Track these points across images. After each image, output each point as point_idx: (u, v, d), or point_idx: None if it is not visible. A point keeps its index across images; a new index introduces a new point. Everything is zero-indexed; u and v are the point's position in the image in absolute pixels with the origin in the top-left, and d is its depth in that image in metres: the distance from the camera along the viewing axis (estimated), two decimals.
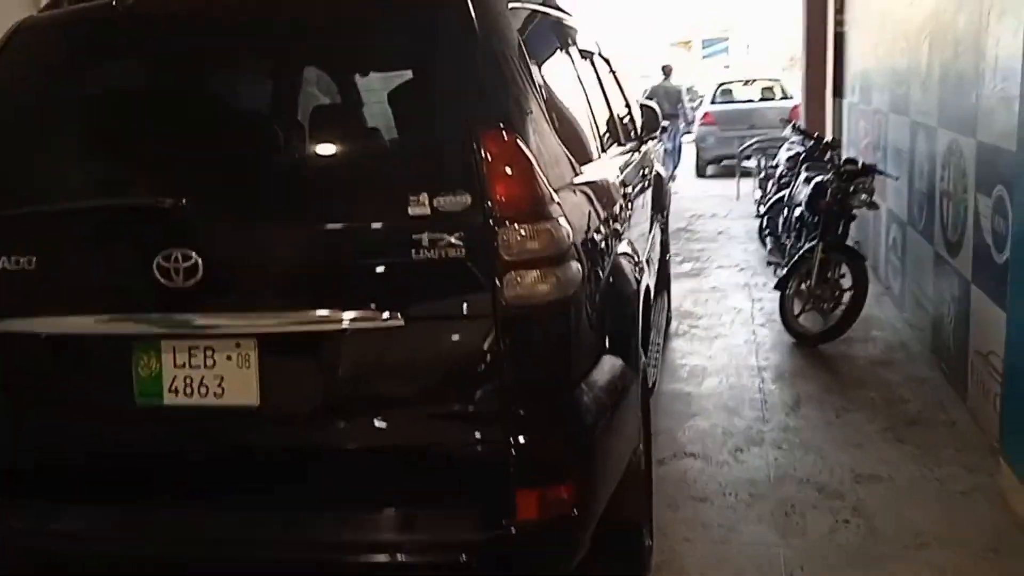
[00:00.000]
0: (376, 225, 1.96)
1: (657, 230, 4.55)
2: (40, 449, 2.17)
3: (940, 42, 4.46)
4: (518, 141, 1.94)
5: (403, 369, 1.99)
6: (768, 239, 6.74)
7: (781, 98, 13.52)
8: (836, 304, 4.97)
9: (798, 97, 12.62)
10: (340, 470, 2.04)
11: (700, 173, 13.38)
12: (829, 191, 5.02)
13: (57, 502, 2.14)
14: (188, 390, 2.04)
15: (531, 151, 1.96)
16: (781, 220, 6.44)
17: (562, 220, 1.97)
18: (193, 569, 2.10)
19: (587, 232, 2.20)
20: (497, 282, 1.90)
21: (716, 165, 13.35)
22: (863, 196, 4.93)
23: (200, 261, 1.95)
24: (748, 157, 10.68)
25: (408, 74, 2.24)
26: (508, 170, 1.91)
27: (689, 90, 22.63)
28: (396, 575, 1.99)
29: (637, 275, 2.58)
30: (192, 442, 2.09)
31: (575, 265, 2.00)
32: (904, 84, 5.35)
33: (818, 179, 5.26)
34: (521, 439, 1.93)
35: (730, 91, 14.19)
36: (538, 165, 1.97)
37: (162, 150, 2.12)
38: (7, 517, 2.13)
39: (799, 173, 6.37)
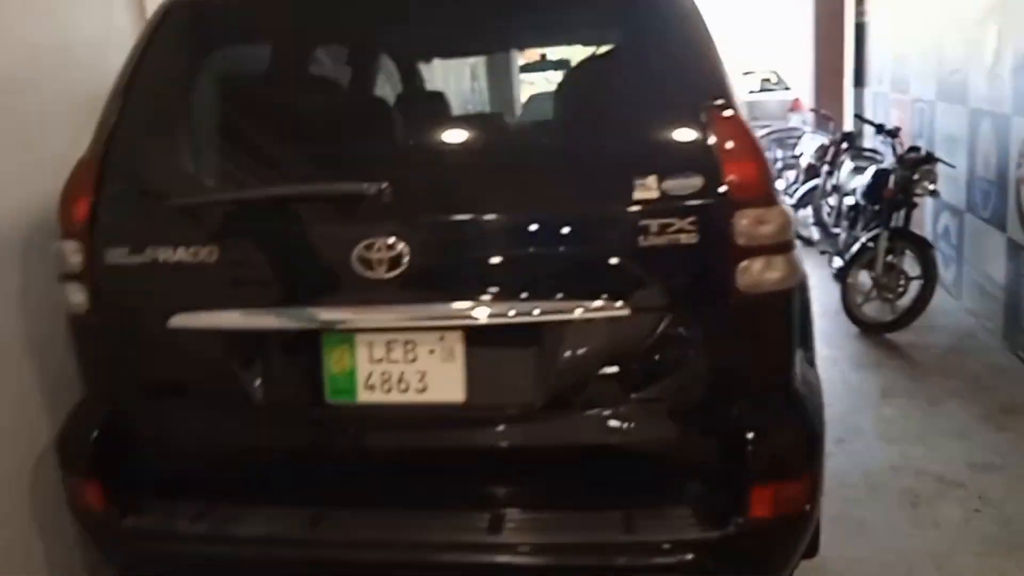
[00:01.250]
0: (599, 211, 1.85)
1: None
2: (218, 451, 2.04)
3: (1014, 30, 4.44)
4: (746, 121, 1.85)
5: (625, 362, 1.88)
6: (813, 229, 6.71)
7: (782, 88, 13.54)
8: (902, 293, 4.95)
9: (796, 88, 12.72)
10: (555, 469, 1.93)
11: None
12: (892, 179, 5.00)
13: (239, 506, 2.01)
14: (386, 386, 1.92)
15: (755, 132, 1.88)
16: (826, 209, 6.42)
17: (786, 206, 1.89)
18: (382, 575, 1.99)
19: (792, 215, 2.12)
20: (730, 269, 1.80)
21: None
22: (927, 184, 4.91)
23: (406, 251, 1.83)
24: None
25: (630, 53, 2.13)
26: (740, 150, 1.81)
27: None
28: None
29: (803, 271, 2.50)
30: (389, 441, 1.97)
31: (797, 253, 1.92)
32: (959, 72, 5.33)
33: (879, 167, 5.23)
34: (755, 434, 1.84)
35: None
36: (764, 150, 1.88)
37: (364, 134, 2.00)
38: (184, 522, 2.00)
39: (839, 163, 6.36)
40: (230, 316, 1.94)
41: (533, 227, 1.87)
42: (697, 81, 1.87)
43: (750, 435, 1.83)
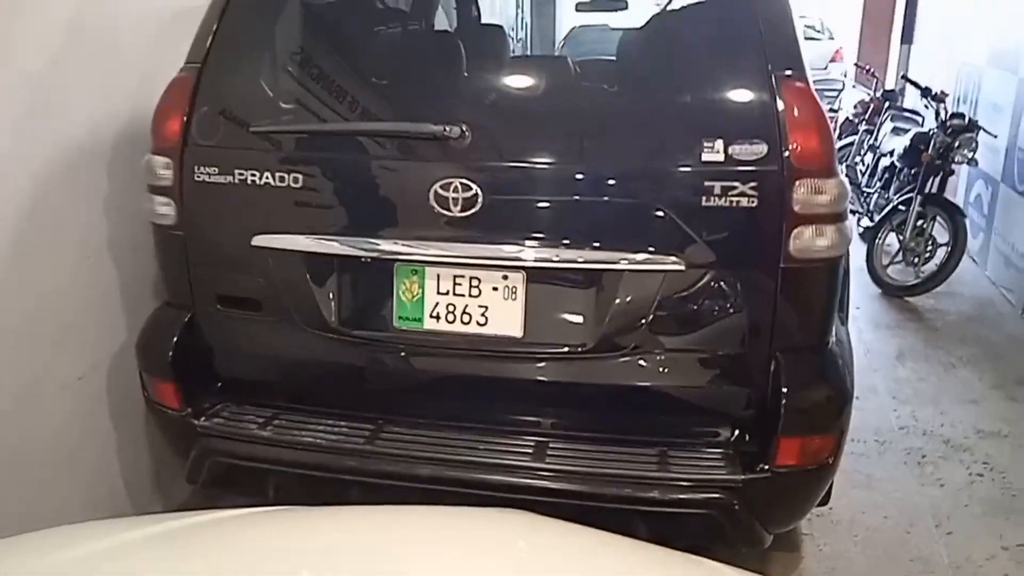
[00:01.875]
0: (666, 168, 1.96)
1: None
2: (288, 364, 2.20)
3: None
4: (814, 92, 1.94)
5: (675, 314, 2.02)
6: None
7: (827, 38, 13.33)
8: (928, 258, 5.04)
9: (839, 37, 12.54)
10: (599, 405, 2.09)
11: None
12: (932, 144, 5.04)
13: (304, 415, 2.18)
14: (450, 317, 2.07)
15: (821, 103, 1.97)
16: (860, 168, 6.45)
17: (843, 178, 1.99)
18: (436, 489, 2.16)
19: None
20: (785, 235, 1.92)
21: None
22: (967, 152, 4.95)
23: (480, 193, 1.95)
24: None
25: (709, 14, 2.21)
26: (806, 122, 1.91)
27: None
28: (652, 509, 2.05)
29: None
30: (449, 368, 2.13)
31: (848, 223, 2.03)
32: (1010, 40, 5.31)
33: (918, 131, 5.26)
34: (790, 389, 1.98)
35: None
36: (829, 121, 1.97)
37: (452, 81, 2.09)
38: (252, 425, 2.17)
39: (881, 122, 6.37)
40: (310, 240, 2.07)
41: (599, 179, 1.99)
42: (772, 49, 1.95)
43: (785, 390, 1.98)
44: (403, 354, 2.14)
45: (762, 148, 1.90)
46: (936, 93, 5.38)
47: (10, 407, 2.11)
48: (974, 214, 5.73)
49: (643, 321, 2.02)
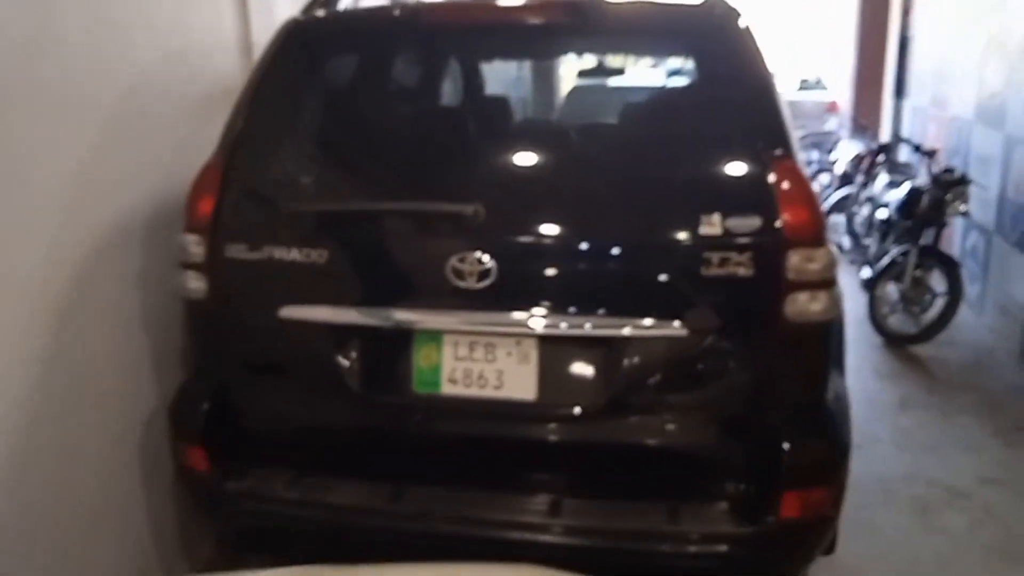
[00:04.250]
0: (666, 240, 2.11)
1: None
2: (313, 429, 2.33)
3: None
4: (802, 169, 2.09)
5: (679, 375, 2.15)
6: (844, 239, 6.90)
7: (820, 89, 13.61)
8: (926, 307, 5.16)
9: (835, 89, 12.80)
10: (610, 463, 2.21)
11: None
12: (926, 198, 5.20)
13: (329, 477, 2.29)
14: (467, 381, 2.19)
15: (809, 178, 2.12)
16: (859, 219, 6.62)
17: (832, 246, 2.13)
18: (455, 546, 2.26)
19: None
20: (779, 300, 2.06)
21: None
22: (959, 205, 5.11)
23: (494, 265, 2.10)
24: None
25: (703, 96, 2.38)
26: (796, 196, 2.06)
27: None
28: (658, 563, 2.15)
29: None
30: (466, 430, 2.25)
31: (839, 288, 2.17)
32: (998, 98, 5.50)
33: (913, 185, 5.43)
34: (791, 445, 2.10)
35: None
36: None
37: (464, 158, 2.25)
38: (279, 487, 2.28)
39: (874, 174, 6.56)
40: (335, 311, 2.22)
41: (604, 251, 2.14)
42: (763, 130, 2.11)
43: (786, 446, 2.10)
44: (422, 417, 2.26)
45: (756, 221, 2.05)
46: (927, 150, 5.56)
47: (53, 468, 2.23)
48: (971, 263, 5.87)
49: (650, 383, 2.15)
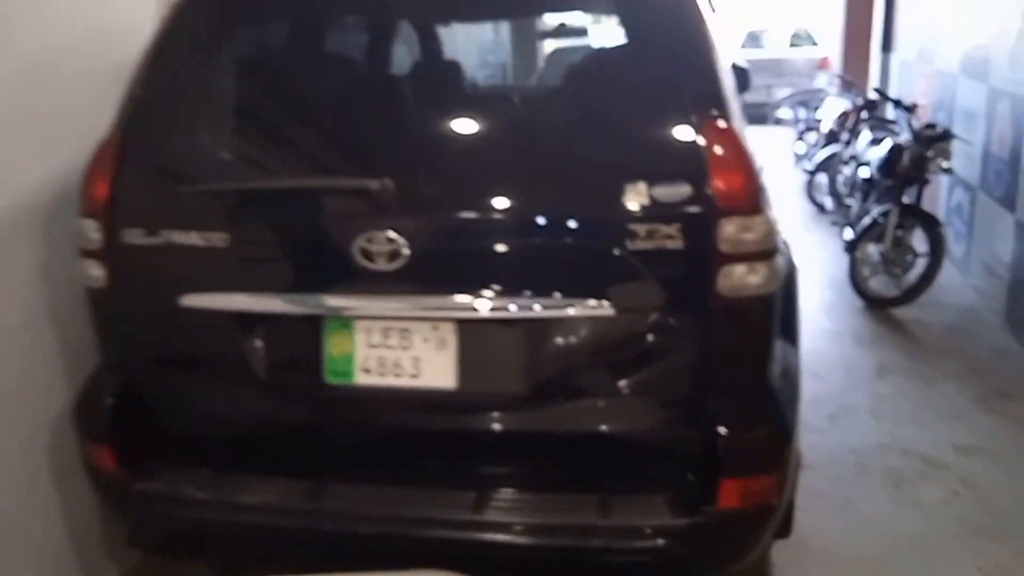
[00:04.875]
0: (589, 213, 1.93)
1: None
2: (224, 423, 2.18)
3: None
4: (737, 132, 1.91)
5: (608, 358, 1.99)
6: (827, 199, 6.71)
7: (810, 45, 13.33)
8: (908, 268, 4.99)
9: (826, 45, 12.52)
10: (538, 454, 2.05)
11: None
12: (907, 155, 5.00)
13: (242, 475, 2.15)
14: (381, 370, 2.03)
15: (745, 142, 1.94)
16: (841, 179, 6.42)
17: (772, 213, 1.96)
18: (376, 546, 2.12)
19: (776, 222, 2.19)
20: (713, 275, 1.89)
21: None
22: (941, 162, 4.91)
23: (405, 244, 1.93)
24: (778, 107, 10.56)
25: (629, 57, 2.19)
26: (729, 161, 1.88)
27: None
28: (590, 558, 2.01)
29: (792, 263, 2.57)
30: (383, 422, 2.09)
31: (780, 259, 2.00)
32: (983, 49, 5.28)
33: (895, 142, 5.23)
34: (728, 430, 1.94)
35: (758, 37, 13.98)
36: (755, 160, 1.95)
37: (371, 131, 2.07)
38: (191, 487, 2.13)
39: (858, 131, 6.34)
40: (239, 298, 2.05)
41: (526, 227, 1.96)
42: (694, 89, 1.93)
43: (723, 431, 1.94)
44: (336, 410, 2.11)
45: (685, 189, 1.87)
46: (907, 105, 5.35)
47: None
48: (956, 222, 5.69)
49: (577, 368, 1.99)
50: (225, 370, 2.12)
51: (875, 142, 5.72)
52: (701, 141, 1.87)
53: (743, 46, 13.54)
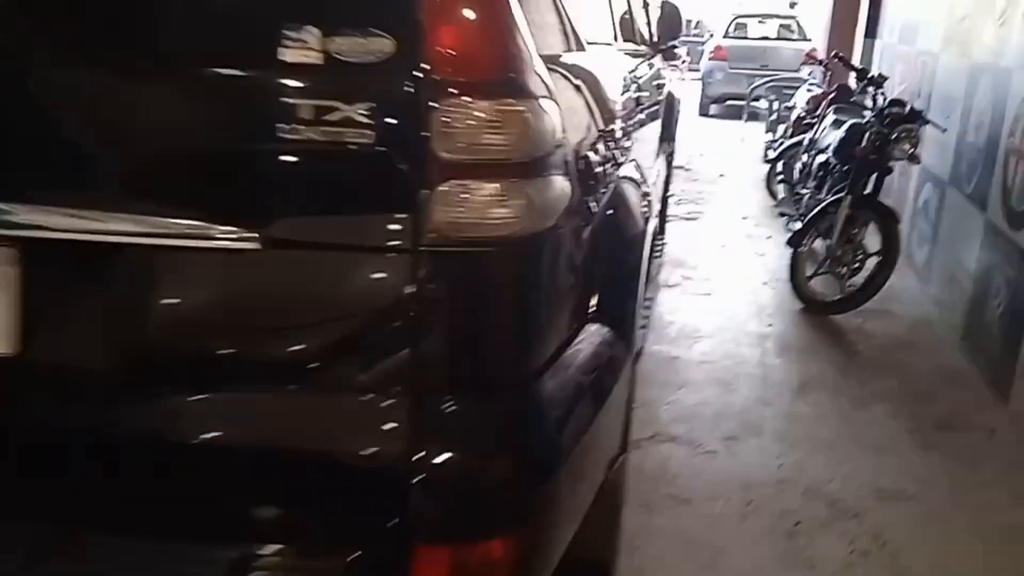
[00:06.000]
0: (222, 79, 1.14)
1: (663, 161, 3.76)
2: None
3: None
4: None
5: (249, 322, 1.21)
6: (780, 187, 5.96)
7: (799, 38, 12.61)
8: (857, 269, 4.24)
9: (815, 39, 11.79)
10: (139, 476, 1.25)
11: (703, 112, 12.49)
12: (866, 136, 4.23)
13: None
14: None
15: None
16: (798, 166, 5.66)
17: (547, 103, 1.19)
18: None
19: (584, 134, 1.41)
20: (423, 195, 1.11)
21: (720, 105, 12.47)
22: (906, 147, 4.13)
23: None
24: (757, 98, 9.89)
25: None
26: (462, 4, 1.10)
27: (698, 24, 21.53)
28: None
29: (644, 212, 1.80)
30: None
31: (560, 181, 1.23)
32: (967, 21, 4.53)
33: (853, 121, 4.47)
34: (435, 457, 1.16)
35: (745, 26, 13.22)
36: (515, 7, 1.16)
37: None
38: None
39: (824, 115, 5.58)
40: None
41: (123, 102, 1.17)
42: None
43: (429, 458, 1.16)
44: None
45: (384, 43, 1.09)
46: (874, 76, 4.58)
47: None
48: (922, 223, 4.94)
49: (200, 335, 1.21)
50: None
51: (837, 124, 4.95)
52: None
53: (727, 34, 12.84)
